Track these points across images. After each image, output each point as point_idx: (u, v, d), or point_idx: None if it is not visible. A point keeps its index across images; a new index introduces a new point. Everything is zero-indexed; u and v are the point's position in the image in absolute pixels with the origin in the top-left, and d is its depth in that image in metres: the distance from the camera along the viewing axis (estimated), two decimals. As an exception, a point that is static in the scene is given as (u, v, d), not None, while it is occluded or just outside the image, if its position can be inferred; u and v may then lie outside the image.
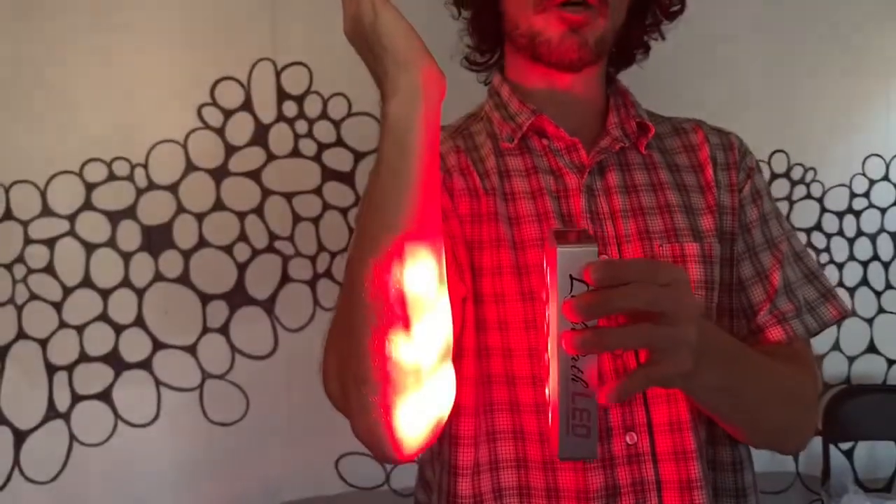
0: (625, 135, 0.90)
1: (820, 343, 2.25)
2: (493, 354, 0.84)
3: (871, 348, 2.28)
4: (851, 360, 2.27)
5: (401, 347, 0.66)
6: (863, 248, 2.28)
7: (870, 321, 2.29)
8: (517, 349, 0.83)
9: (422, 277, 0.68)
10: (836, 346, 2.26)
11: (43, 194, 1.81)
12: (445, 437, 0.86)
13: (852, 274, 2.27)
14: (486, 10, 0.94)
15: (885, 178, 2.28)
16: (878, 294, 2.29)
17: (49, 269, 1.81)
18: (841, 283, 2.27)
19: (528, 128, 0.89)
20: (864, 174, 2.27)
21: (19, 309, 1.80)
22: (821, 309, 0.91)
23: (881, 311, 2.29)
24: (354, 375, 0.69)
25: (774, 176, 2.16)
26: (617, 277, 0.58)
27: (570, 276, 0.57)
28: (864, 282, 2.28)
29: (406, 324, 0.67)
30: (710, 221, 0.88)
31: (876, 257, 2.28)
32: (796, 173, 2.22)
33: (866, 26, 2.24)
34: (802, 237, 2.24)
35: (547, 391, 0.65)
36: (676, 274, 0.63)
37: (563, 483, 0.81)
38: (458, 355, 0.81)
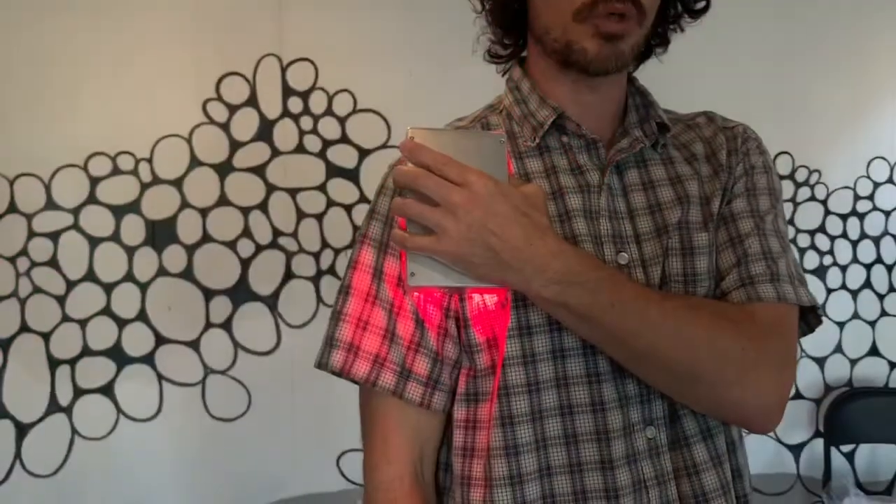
0: (644, 135, 0.90)
1: (822, 345, 2.25)
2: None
3: (874, 351, 2.28)
4: (854, 362, 2.27)
5: None
6: (866, 251, 2.28)
7: (872, 324, 2.29)
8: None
9: None
10: (839, 349, 2.26)
11: (47, 188, 1.80)
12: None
13: (855, 276, 2.27)
14: (511, 6, 0.93)
15: (890, 180, 2.28)
16: (881, 297, 2.29)
17: (53, 263, 1.81)
18: (844, 286, 2.27)
19: (549, 126, 0.89)
20: (868, 177, 2.27)
21: (22, 302, 1.79)
22: (798, 288, 0.85)
23: (884, 313, 2.29)
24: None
25: (779, 178, 2.15)
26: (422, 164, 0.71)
27: None
28: (868, 284, 2.28)
29: None
30: (717, 206, 0.88)
31: (879, 260, 2.28)
32: (801, 175, 2.22)
33: (872, 31, 2.24)
34: (806, 239, 2.25)
35: None
36: (471, 180, 0.70)
37: (591, 484, 0.81)
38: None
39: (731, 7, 2.08)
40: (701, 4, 0.95)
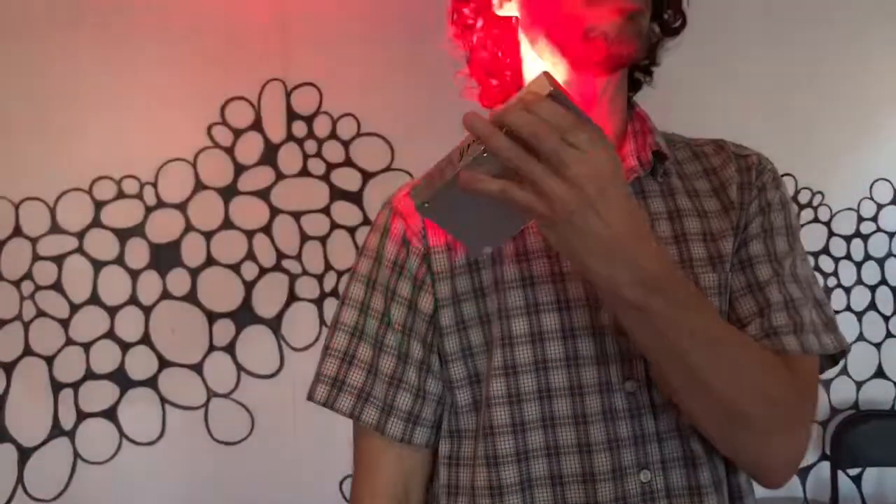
0: (640, 164, 0.88)
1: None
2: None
3: (880, 373, 2.27)
4: (859, 384, 2.26)
5: None
6: (871, 273, 2.27)
7: (878, 346, 2.27)
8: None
9: None
10: (844, 371, 2.25)
11: (52, 211, 1.81)
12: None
13: (860, 298, 2.27)
14: (500, 38, 0.91)
15: (893, 202, 2.28)
16: (887, 319, 2.28)
17: (57, 286, 1.81)
18: (849, 307, 2.26)
19: None
20: (871, 198, 2.27)
21: (26, 326, 1.80)
22: (821, 336, 0.81)
23: (889, 335, 2.28)
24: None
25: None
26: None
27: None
28: (872, 306, 2.27)
29: None
30: (729, 245, 0.84)
31: (884, 281, 2.28)
32: (804, 197, 2.22)
33: (874, 53, 2.25)
34: (810, 261, 2.24)
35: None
36: (597, 152, 0.64)
37: None
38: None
39: (733, 31, 2.11)
40: (677, 24, 0.92)
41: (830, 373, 2.22)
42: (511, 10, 0.86)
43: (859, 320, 2.26)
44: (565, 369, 0.81)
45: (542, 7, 0.83)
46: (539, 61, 0.86)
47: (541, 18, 0.84)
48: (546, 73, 0.66)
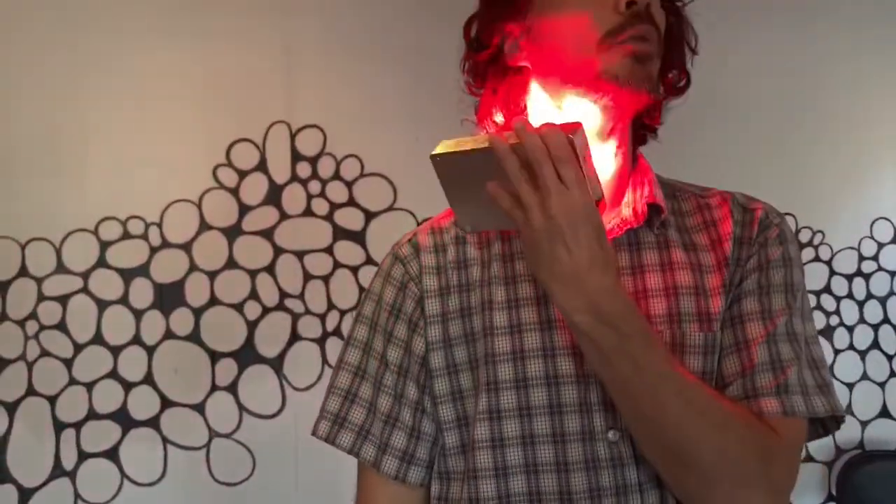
0: (635, 215, 0.87)
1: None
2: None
3: (885, 412, 2.26)
4: (864, 424, 2.24)
5: None
6: (873, 312, 2.27)
7: (882, 385, 2.26)
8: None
9: None
10: (849, 410, 2.24)
11: (58, 252, 1.83)
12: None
13: (863, 337, 2.26)
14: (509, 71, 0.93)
15: (894, 241, 2.29)
16: (890, 358, 2.27)
17: (61, 326, 1.82)
18: (852, 346, 2.26)
19: None
20: (872, 237, 2.28)
21: (30, 365, 1.80)
22: (812, 398, 0.79)
23: (893, 374, 2.27)
24: None
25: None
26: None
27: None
28: (875, 345, 2.27)
29: None
30: (721, 303, 0.84)
31: (887, 320, 2.27)
32: (804, 236, 2.23)
33: (872, 93, 2.28)
34: (812, 300, 2.24)
35: None
36: (574, 191, 0.73)
37: None
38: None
39: (731, 69, 2.14)
40: (681, 84, 0.94)
41: (835, 412, 2.20)
42: (523, 59, 0.89)
43: (863, 359, 2.26)
44: (548, 416, 0.83)
45: (556, 53, 0.86)
46: (550, 106, 0.88)
47: (554, 64, 0.86)
48: (581, 125, 0.77)
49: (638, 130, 0.95)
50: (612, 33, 0.81)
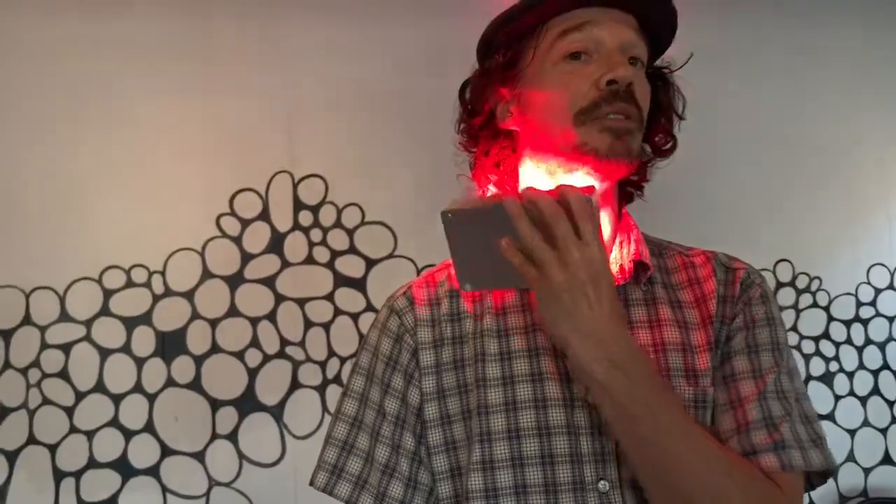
0: (622, 273, 0.90)
1: (834, 454, 2.21)
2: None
3: (887, 459, 2.25)
4: (867, 471, 2.23)
5: None
6: (872, 357, 2.28)
7: (884, 431, 2.26)
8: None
9: None
10: (851, 457, 2.23)
11: (62, 300, 1.85)
12: None
13: (863, 383, 2.26)
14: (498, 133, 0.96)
15: (891, 286, 2.31)
16: (891, 404, 2.27)
17: (63, 374, 1.83)
18: (852, 392, 2.26)
19: None
20: (869, 283, 2.30)
21: (31, 414, 1.81)
22: (808, 452, 0.82)
23: (894, 420, 2.26)
24: None
25: (780, 285, 2.19)
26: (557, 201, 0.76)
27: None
28: (876, 391, 2.27)
29: None
30: (707, 360, 0.86)
31: (886, 366, 2.28)
32: (802, 282, 2.25)
33: (866, 140, 2.33)
34: (811, 345, 2.25)
35: None
36: (592, 246, 0.75)
37: None
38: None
39: (728, 116, 2.18)
40: (667, 146, 0.97)
41: (837, 459, 2.18)
42: (513, 124, 0.94)
43: (864, 405, 2.26)
44: (540, 466, 0.84)
45: (540, 123, 0.90)
46: (537, 170, 0.91)
47: (539, 132, 0.90)
48: (595, 189, 0.80)
49: (624, 188, 0.97)
50: (589, 110, 0.85)
